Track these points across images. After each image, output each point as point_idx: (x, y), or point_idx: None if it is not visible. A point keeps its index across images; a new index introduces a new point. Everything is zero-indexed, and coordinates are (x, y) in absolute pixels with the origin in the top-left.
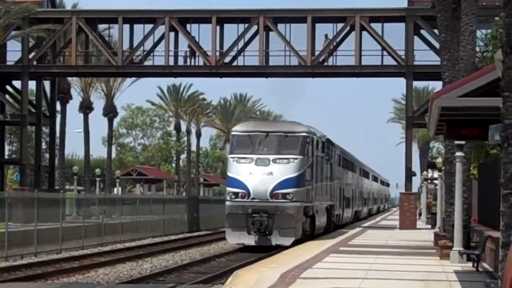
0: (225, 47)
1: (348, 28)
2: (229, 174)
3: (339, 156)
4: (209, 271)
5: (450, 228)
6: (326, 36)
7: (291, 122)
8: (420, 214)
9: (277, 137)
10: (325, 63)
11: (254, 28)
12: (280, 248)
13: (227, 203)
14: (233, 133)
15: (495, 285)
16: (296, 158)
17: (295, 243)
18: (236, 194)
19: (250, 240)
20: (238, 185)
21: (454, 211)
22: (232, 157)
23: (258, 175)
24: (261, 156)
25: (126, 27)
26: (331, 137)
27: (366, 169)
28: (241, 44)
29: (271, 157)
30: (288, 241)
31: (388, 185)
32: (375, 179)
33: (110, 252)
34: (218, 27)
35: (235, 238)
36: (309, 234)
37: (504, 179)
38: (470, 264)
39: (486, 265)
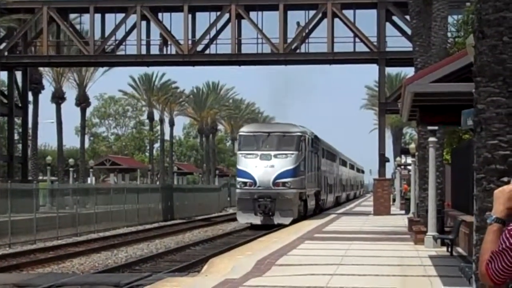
0: (197, 36)
1: (320, 15)
2: (238, 167)
3: (323, 149)
4: (184, 260)
5: (424, 213)
6: (298, 23)
7: (287, 124)
8: (394, 200)
9: (277, 136)
10: (298, 51)
11: (226, 16)
12: (280, 227)
13: (238, 190)
14: (240, 133)
15: (469, 269)
16: (292, 154)
17: (293, 222)
18: (245, 183)
19: (256, 220)
20: (246, 176)
21: (428, 196)
22: (240, 153)
23: (262, 167)
24: (264, 152)
25: (98, 16)
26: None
27: (344, 158)
28: (213, 32)
29: (273, 152)
30: (287, 220)
31: (363, 172)
32: (352, 167)
33: (84, 242)
34: (190, 16)
35: (244, 219)
36: (303, 215)
37: (477, 163)
38: (444, 248)
39: (460, 250)
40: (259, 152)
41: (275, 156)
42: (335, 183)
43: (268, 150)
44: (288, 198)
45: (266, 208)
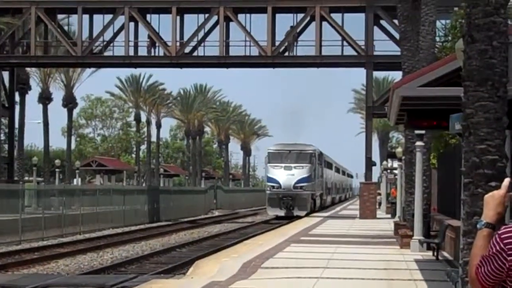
0: (185, 38)
1: (308, 19)
2: (268, 175)
3: (325, 161)
4: (170, 262)
5: (410, 217)
6: (291, 27)
7: (303, 144)
8: (379, 204)
9: (296, 153)
10: (289, 53)
11: (214, 18)
12: (298, 218)
13: (267, 191)
14: (269, 150)
15: (455, 274)
16: (307, 166)
17: (306, 215)
18: (273, 186)
19: (281, 212)
20: (274, 181)
21: (414, 200)
22: (270, 165)
23: (286, 175)
24: (287, 164)
25: (86, 17)
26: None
27: (338, 166)
28: (201, 34)
29: (293, 165)
30: (303, 213)
31: (352, 176)
32: (344, 173)
33: (70, 243)
34: (178, 18)
35: (272, 212)
36: (313, 210)
37: (465, 168)
38: (430, 252)
39: (446, 254)
40: (283, 164)
41: (295, 167)
42: (331, 187)
43: (289, 163)
44: (304, 197)
45: (288, 204)
